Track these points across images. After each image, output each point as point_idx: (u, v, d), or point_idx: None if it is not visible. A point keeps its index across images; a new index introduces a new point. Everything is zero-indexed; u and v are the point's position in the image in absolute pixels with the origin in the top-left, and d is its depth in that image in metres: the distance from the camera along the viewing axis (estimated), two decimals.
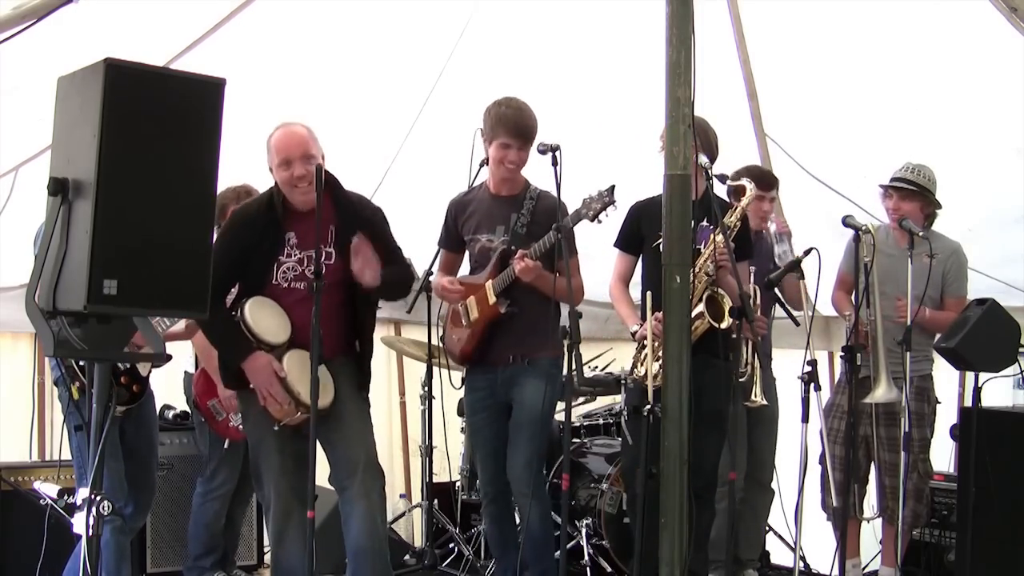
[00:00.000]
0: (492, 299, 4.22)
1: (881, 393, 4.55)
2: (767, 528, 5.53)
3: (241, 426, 4.62)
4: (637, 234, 4.33)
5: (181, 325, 4.31)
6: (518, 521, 4.46)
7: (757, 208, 4.83)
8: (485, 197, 4.38)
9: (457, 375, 5.80)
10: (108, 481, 3.96)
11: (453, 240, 4.45)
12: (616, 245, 4.43)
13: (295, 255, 3.87)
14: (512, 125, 4.16)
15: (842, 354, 4.54)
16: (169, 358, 2.91)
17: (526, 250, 4.10)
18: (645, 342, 4.04)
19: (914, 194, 4.85)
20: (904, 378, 4.62)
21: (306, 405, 3.69)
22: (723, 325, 4.05)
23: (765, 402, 4.33)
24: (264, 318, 3.82)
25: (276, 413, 3.79)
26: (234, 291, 3.97)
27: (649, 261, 4.29)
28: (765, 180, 4.95)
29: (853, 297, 4.95)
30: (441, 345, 4.67)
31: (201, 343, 4.66)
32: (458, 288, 4.33)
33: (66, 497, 3.01)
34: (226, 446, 4.77)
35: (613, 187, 4.00)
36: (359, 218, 3.92)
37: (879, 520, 5.00)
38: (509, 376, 4.27)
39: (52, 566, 4.00)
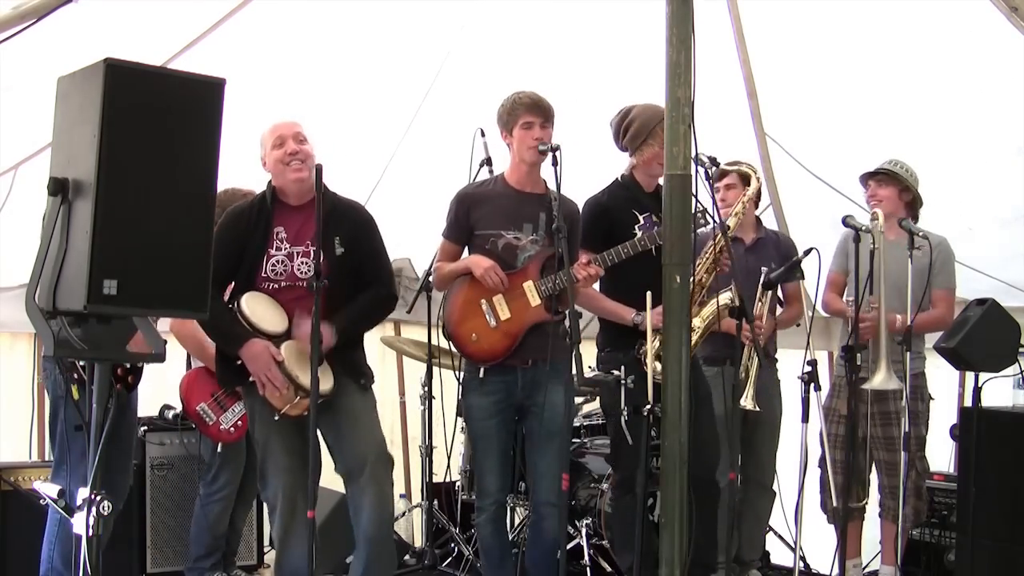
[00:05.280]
0: (536, 301, 4.10)
1: (880, 380, 4.52)
2: (768, 528, 5.53)
3: (232, 428, 4.63)
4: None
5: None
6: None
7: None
8: (506, 192, 4.24)
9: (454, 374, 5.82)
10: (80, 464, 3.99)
11: (461, 233, 4.26)
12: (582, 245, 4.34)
13: (284, 249, 3.88)
14: (530, 103, 4.14)
15: (841, 354, 4.53)
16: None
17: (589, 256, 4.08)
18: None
19: (889, 179, 4.88)
20: (904, 378, 4.61)
21: (303, 388, 3.69)
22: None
23: (756, 408, 4.33)
24: (261, 310, 3.84)
25: (275, 401, 3.80)
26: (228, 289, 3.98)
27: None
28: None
29: (845, 295, 4.98)
30: (448, 343, 4.29)
31: (193, 341, 4.65)
32: (503, 275, 4.11)
33: (66, 497, 3.01)
34: (219, 450, 4.76)
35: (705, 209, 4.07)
36: (344, 224, 3.91)
37: (878, 519, 5.00)
38: (531, 379, 4.13)
39: None
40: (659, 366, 3.88)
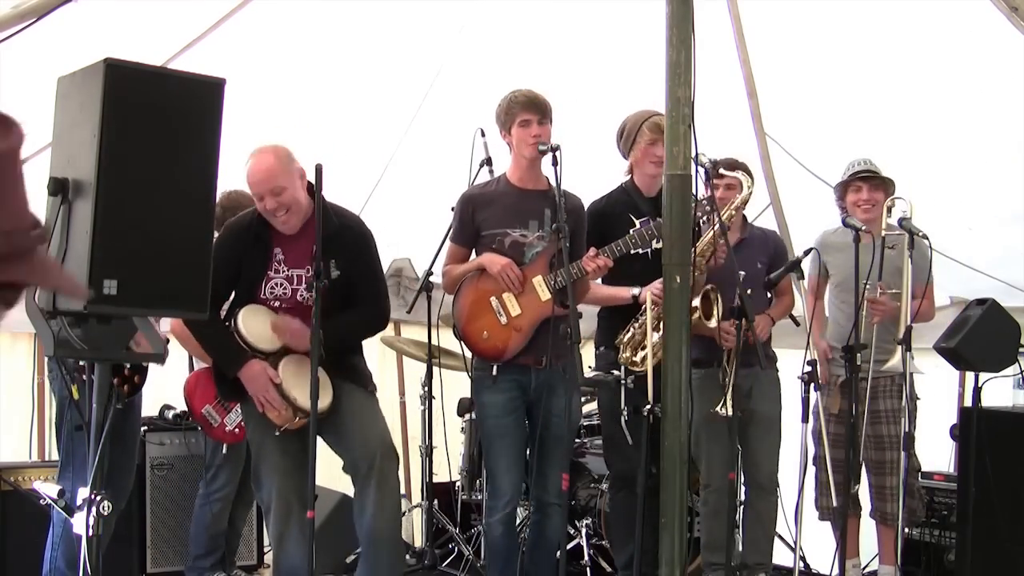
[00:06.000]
0: (546, 295, 4.07)
1: (898, 360, 4.51)
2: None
3: (237, 429, 4.63)
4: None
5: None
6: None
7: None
8: (509, 191, 4.22)
9: (457, 375, 5.83)
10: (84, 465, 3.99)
11: (468, 235, 4.23)
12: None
13: (283, 271, 3.87)
14: (526, 101, 4.13)
15: (841, 354, 4.53)
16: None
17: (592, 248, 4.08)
18: (640, 315, 4.15)
19: (883, 182, 4.86)
20: (905, 378, 4.61)
21: (302, 410, 3.69)
22: (711, 324, 4.16)
23: (729, 413, 4.26)
24: (258, 326, 3.82)
25: (275, 419, 3.80)
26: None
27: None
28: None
29: (828, 298, 5.03)
30: (460, 343, 4.26)
31: (193, 343, 4.63)
32: (519, 272, 4.09)
33: (66, 497, 3.01)
34: (224, 450, 4.76)
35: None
36: (341, 246, 3.84)
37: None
38: (545, 381, 4.06)
39: None
40: (637, 357, 4.11)
